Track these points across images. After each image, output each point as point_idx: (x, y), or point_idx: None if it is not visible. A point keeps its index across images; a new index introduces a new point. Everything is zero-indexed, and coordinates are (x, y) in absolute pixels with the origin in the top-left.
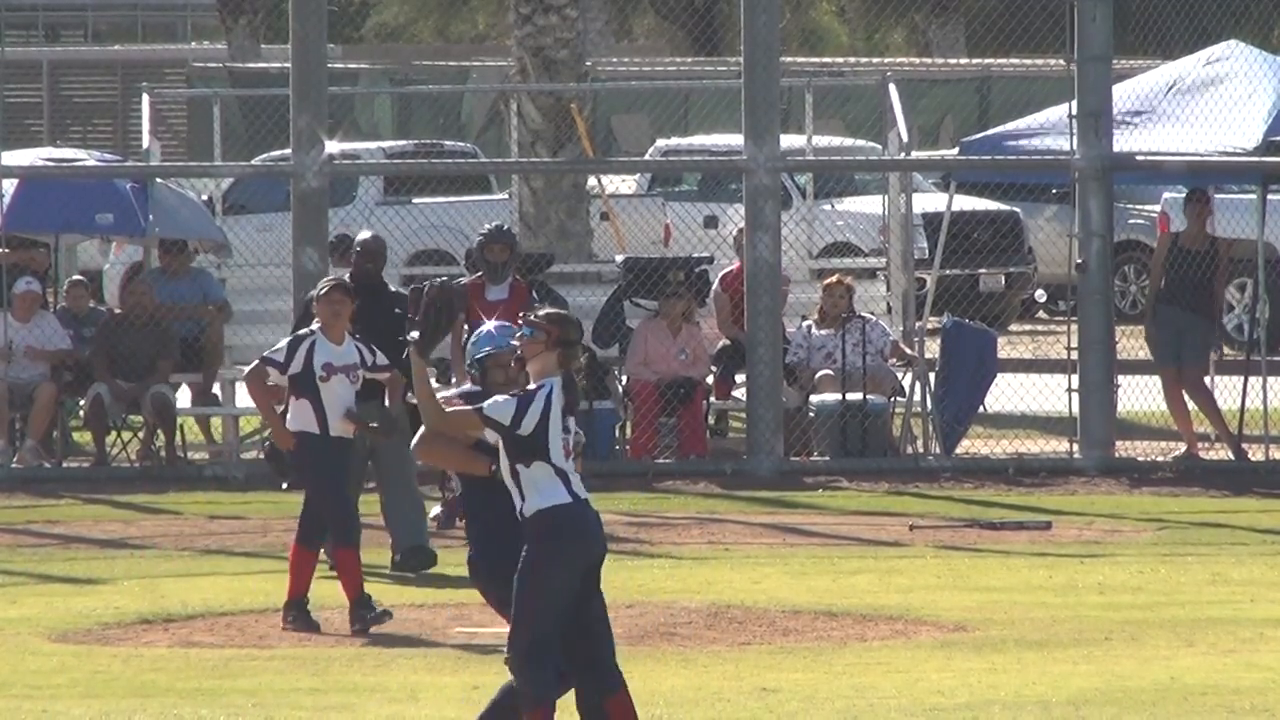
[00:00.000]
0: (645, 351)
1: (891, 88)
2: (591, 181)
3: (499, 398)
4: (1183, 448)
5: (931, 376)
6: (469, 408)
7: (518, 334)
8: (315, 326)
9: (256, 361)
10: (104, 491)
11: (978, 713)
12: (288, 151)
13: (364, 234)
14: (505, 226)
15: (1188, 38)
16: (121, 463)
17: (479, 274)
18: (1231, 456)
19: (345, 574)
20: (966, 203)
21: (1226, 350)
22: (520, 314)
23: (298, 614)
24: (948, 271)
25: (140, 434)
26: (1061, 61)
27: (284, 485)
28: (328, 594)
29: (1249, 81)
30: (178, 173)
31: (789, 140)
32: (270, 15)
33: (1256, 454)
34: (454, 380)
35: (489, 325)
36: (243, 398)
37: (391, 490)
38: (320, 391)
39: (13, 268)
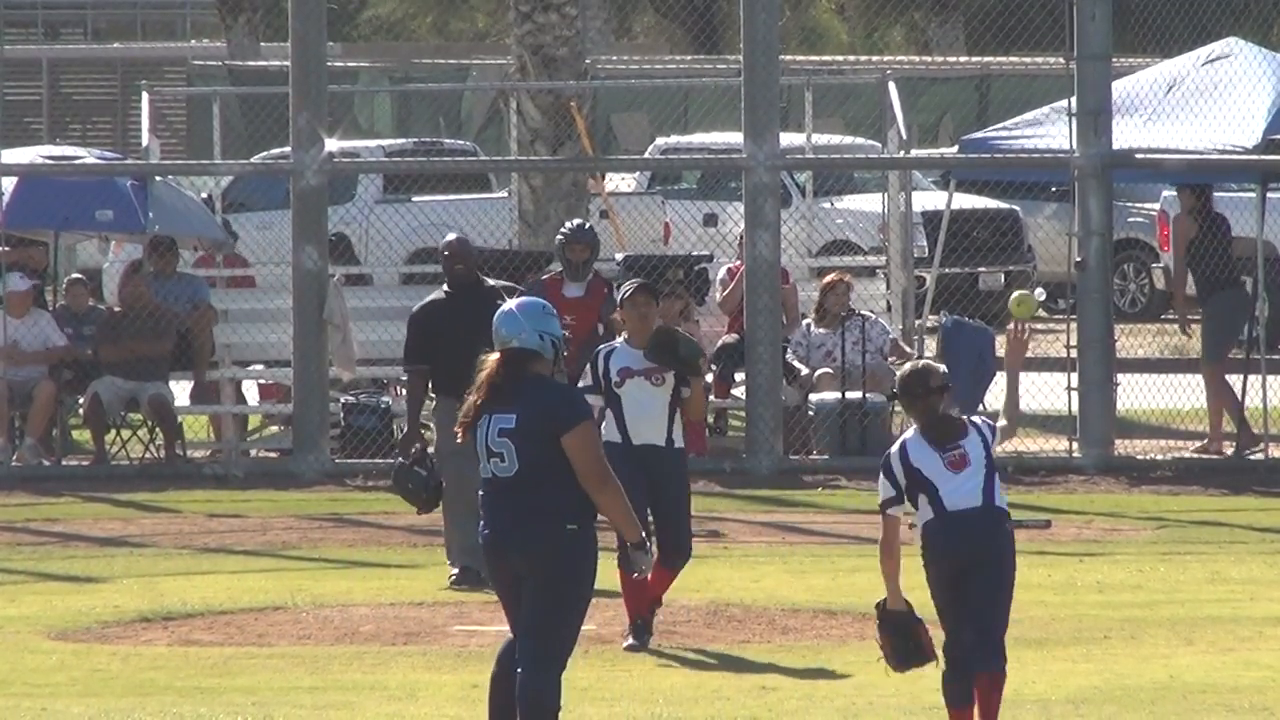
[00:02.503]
0: None
1: (891, 86)
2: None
3: None
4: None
5: None
6: None
7: None
8: (620, 338)
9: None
10: (103, 490)
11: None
12: (287, 149)
13: (449, 236)
14: (587, 225)
15: (1187, 36)
16: (121, 461)
17: (559, 270)
18: (1231, 452)
19: (628, 591)
20: (966, 201)
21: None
22: None
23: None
24: (947, 270)
25: (139, 432)
26: (1061, 60)
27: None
28: (329, 591)
29: (1249, 79)
30: (177, 171)
31: (788, 138)
32: (270, 13)
33: (1255, 452)
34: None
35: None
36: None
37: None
38: (620, 398)
39: (11, 266)
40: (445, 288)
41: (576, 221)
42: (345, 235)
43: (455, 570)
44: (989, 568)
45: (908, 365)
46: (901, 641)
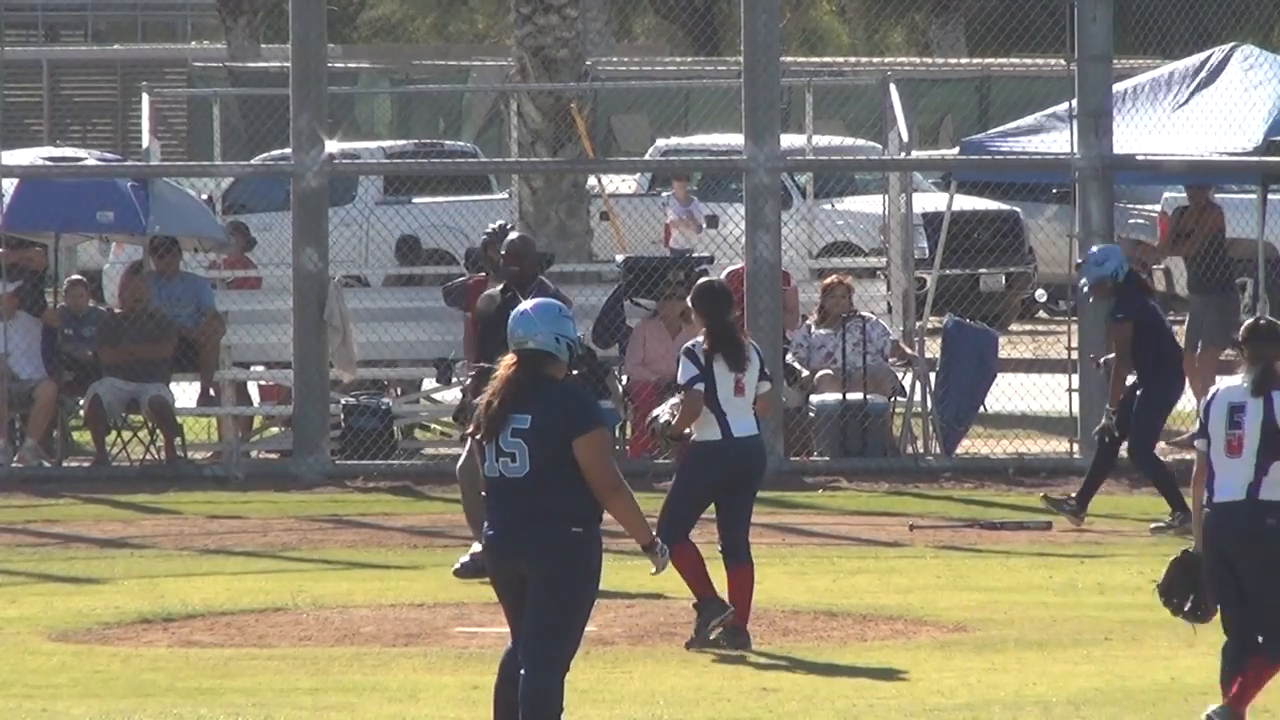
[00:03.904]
0: (644, 352)
1: (891, 87)
2: (591, 181)
3: None
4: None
5: (932, 376)
6: None
7: None
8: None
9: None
10: (104, 491)
11: (978, 712)
12: (288, 151)
13: (511, 235)
14: (509, 225)
15: (1188, 38)
16: (121, 462)
17: (482, 272)
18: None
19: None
20: (967, 202)
21: (1227, 350)
22: None
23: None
24: (948, 271)
25: (139, 434)
26: (1062, 61)
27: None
28: (330, 592)
29: (1250, 81)
30: (178, 172)
31: (789, 140)
32: (270, 15)
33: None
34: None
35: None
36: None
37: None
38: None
39: (11, 268)
40: (501, 287)
41: (499, 223)
42: (416, 236)
43: (466, 557)
44: (1250, 567)
45: (1260, 318)
46: (1186, 592)
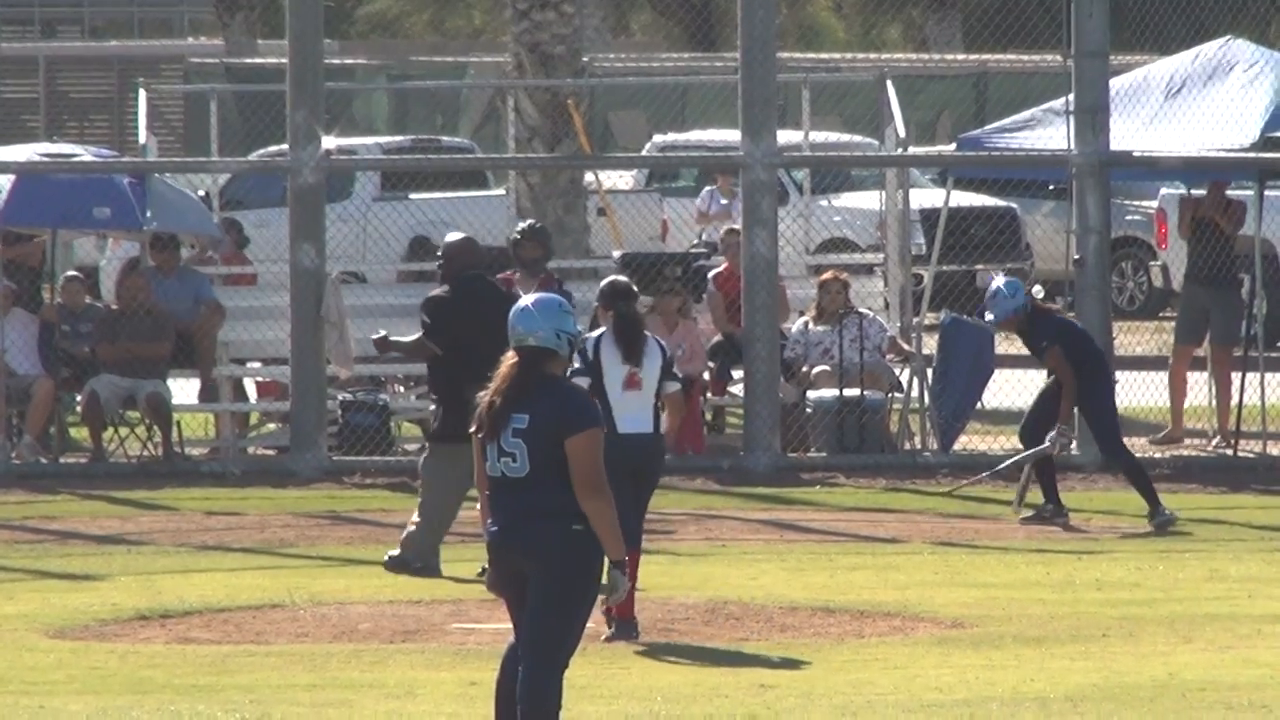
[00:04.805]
0: None
1: (888, 83)
2: (588, 177)
3: None
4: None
5: (929, 372)
6: None
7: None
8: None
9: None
10: (101, 487)
11: (975, 709)
12: (284, 147)
13: (449, 236)
14: (539, 225)
15: (1184, 34)
16: (119, 459)
17: (513, 270)
18: (1229, 451)
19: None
20: (964, 198)
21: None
22: None
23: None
24: (945, 267)
25: (136, 430)
26: (1058, 57)
27: None
28: (327, 589)
29: (1247, 77)
30: (174, 168)
31: (786, 136)
32: (267, 10)
33: (1253, 449)
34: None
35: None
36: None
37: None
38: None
39: (9, 263)
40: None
41: (529, 222)
42: (427, 237)
43: (393, 552)
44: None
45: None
46: None
